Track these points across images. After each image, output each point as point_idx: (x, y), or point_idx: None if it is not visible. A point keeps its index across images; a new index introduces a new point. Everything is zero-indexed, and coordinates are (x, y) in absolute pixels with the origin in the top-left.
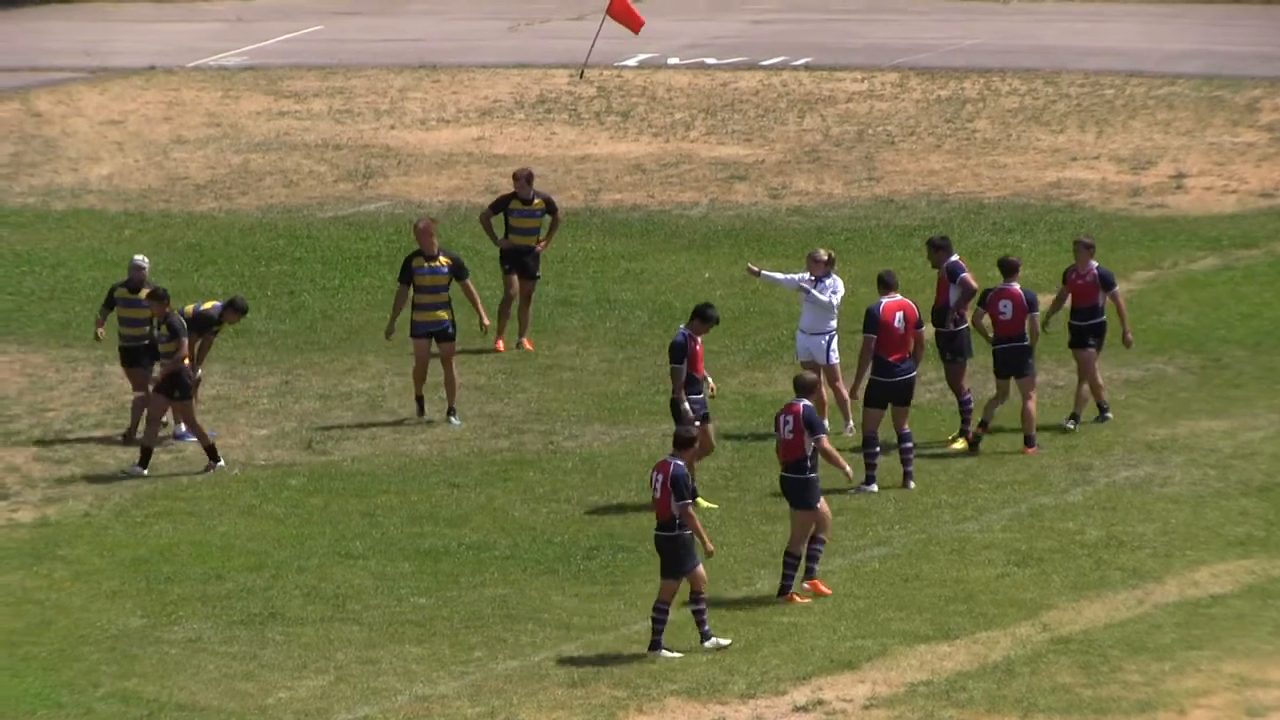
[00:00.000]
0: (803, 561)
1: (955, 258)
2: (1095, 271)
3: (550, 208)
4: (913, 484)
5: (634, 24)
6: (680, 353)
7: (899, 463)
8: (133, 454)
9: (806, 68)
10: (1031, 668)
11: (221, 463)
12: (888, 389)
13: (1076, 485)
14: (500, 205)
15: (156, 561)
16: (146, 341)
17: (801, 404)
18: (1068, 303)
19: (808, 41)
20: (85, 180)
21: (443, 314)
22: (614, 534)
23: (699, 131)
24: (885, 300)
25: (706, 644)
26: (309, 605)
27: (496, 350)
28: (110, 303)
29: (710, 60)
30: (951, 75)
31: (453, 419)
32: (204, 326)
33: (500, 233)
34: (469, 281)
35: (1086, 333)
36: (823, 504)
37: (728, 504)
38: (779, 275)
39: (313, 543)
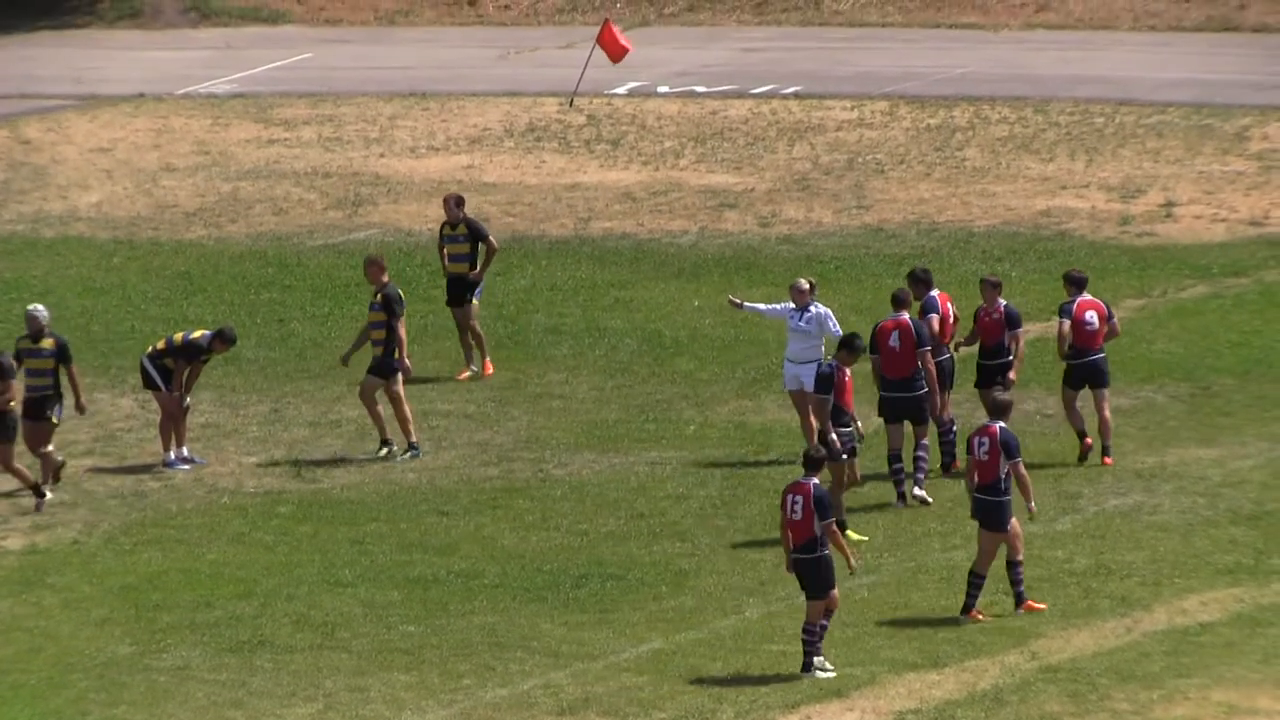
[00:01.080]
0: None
1: (934, 293)
2: (1003, 310)
3: (475, 234)
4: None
5: (617, 53)
6: (827, 384)
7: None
8: (121, 479)
9: (796, 96)
10: (1020, 696)
11: (49, 497)
12: (895, 404)
13: (1065, 514)
14: (441, 233)
15: (145, 589)
16: (50, 392)
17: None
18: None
19: (797, 70)
20: (74, 208)
21: (378, 350)
22: (603, 562)
23: (689, 160)
24: (883, 320)
25: (808, 673)
26: (298, 633)
27: (484, 377)
28: (18, 356)
29: (700, 88)
30: (941, 104)
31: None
32: (192, 355)
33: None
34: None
35: (994, 372)
36: (1014, 523)
37: (716, 532)
38: (761, 306)
39: (302, 570)
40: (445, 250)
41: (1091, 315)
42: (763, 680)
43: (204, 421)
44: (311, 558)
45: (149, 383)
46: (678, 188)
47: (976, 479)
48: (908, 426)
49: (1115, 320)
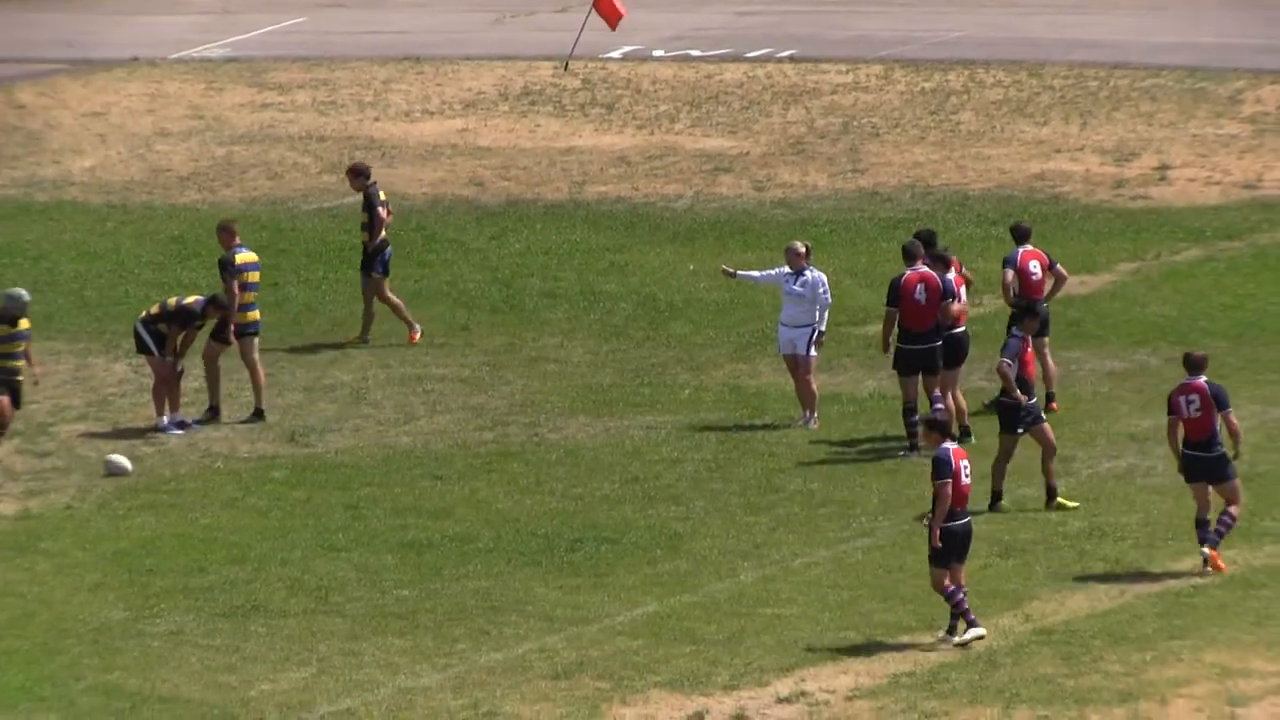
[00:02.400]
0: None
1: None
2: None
3: (365, 204)
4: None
5: (612, 18)
6: (1015, 351)
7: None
8: (114, 445)
9: (791, 60)
10: (1014, 658)
11: None
12: (914, 356)
13: (1059, 476)
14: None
15: (139, 554)
16: (20, 377)
17: (1204, 383)
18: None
19: (792, 33)
20: (68, 172)
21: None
22: (598, 526)
23: (684, 124)
24: (908, 271)
25: (956, 637)
26: (291, 598)
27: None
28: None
29: (695, 52)
30: (936, 67)
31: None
32: (186, 321)
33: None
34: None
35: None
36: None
37: (711, 496)
38: (755, 273)
39: (295, 535)
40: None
41: (1035, 265)
42: (757, 644)
43: (198, 386)
44: (305, 522)
45: (142, 347)
46: (673, 152)
47: (1187, 436)
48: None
49: (1059, 267)
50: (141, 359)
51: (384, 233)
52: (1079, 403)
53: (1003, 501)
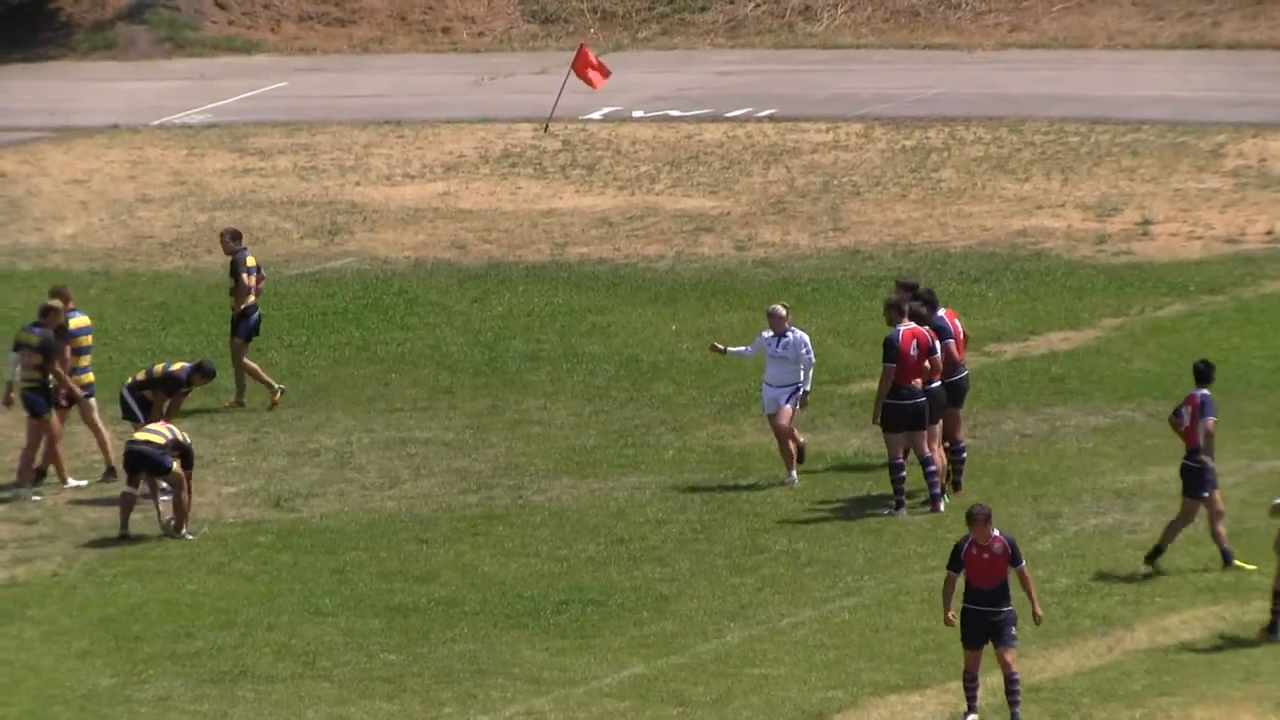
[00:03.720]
0: None
1: (942, 312)
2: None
3: (232, 269)
4: (943, 506)
5: (595, 81)
6: (1214, 411)
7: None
8: (100, 511)
9: (771, 119)
10: (1002, 716)
11: None
12: (902, 413)
13: (1045, 533)
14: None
15: (126, 620)
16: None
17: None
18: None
19: (772, 93)
20: (50, 240)
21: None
22: (583, 587)
23: (664, 184)
24: (902, 329)
25: None
26: (279, 663)
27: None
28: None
29: (675, 112)
30: (916, 125)
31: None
32: (172, 387)
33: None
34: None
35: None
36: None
37: (696, 556)
38: (744, 348)
39: (282, 600)
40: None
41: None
42: (745, 704)
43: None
44: (291, 587)
45: (127, 413)
46: (654, 212)
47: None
48: None
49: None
50: (127, 425)
51: (252, 298)
52: (1064, 459)
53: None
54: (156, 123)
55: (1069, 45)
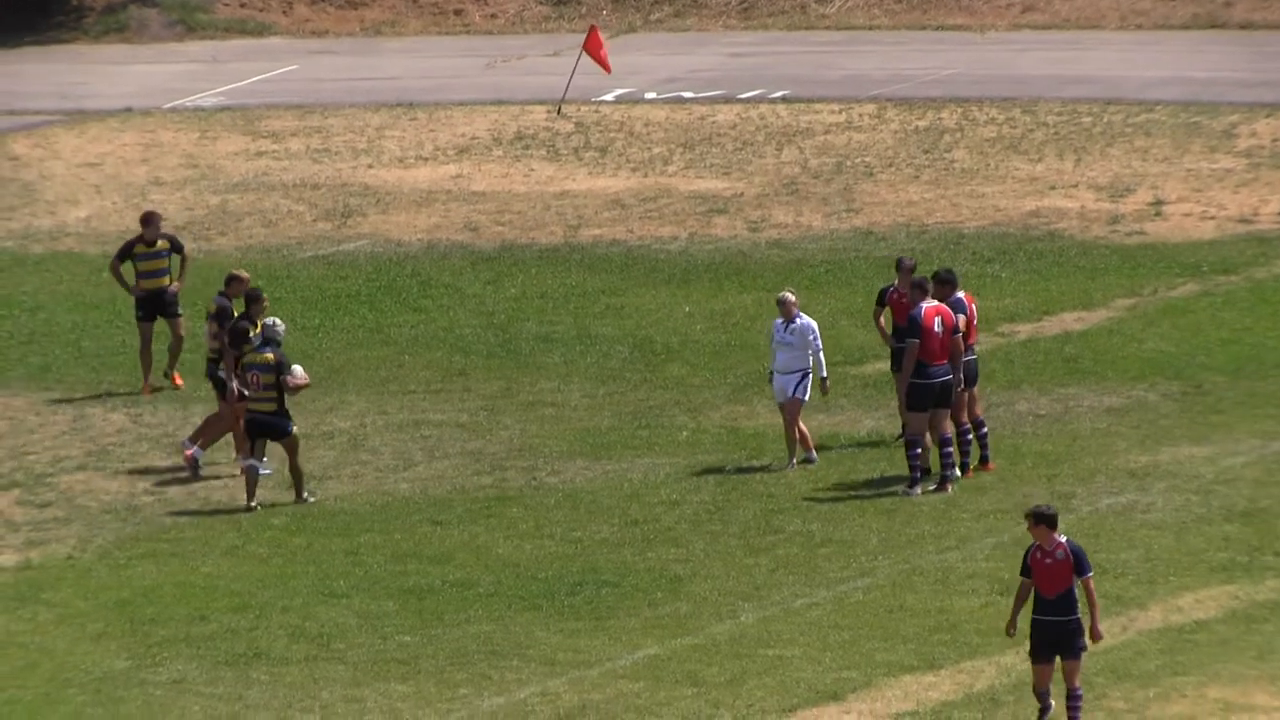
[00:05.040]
0: None
1: (960, 294)
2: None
3: (175, 247)
4: (951, 488)
5: (608, 64)
6: None
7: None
8: (114, 494)
9: (784, 100)
10: (1016, 696)
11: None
12: (929, 391)
13: (1059, 513)
14: (126, 252)
15: (140, 603)
16: None
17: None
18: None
19: (785, 74)
20: (63, 223)
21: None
22: (598, 569)
23: (677, 166)
24: (925, 305)
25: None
26: (293, 645)
27: (176, 386)
28: None
29: (688, 94)
30: (929, 105)
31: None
32: (235, 340)
33: (131, 280)
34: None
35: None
36: None
37: (710, 537)
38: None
39: (296, 582)
40: (140, 268)
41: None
42: (759, 685)
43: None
44: (306, 569)
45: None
46: (667, 194)
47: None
48: None
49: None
50: (140, 409)
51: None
52: (1077, 439)
53: None
54: (169, 106)
55: (1082, 26)
